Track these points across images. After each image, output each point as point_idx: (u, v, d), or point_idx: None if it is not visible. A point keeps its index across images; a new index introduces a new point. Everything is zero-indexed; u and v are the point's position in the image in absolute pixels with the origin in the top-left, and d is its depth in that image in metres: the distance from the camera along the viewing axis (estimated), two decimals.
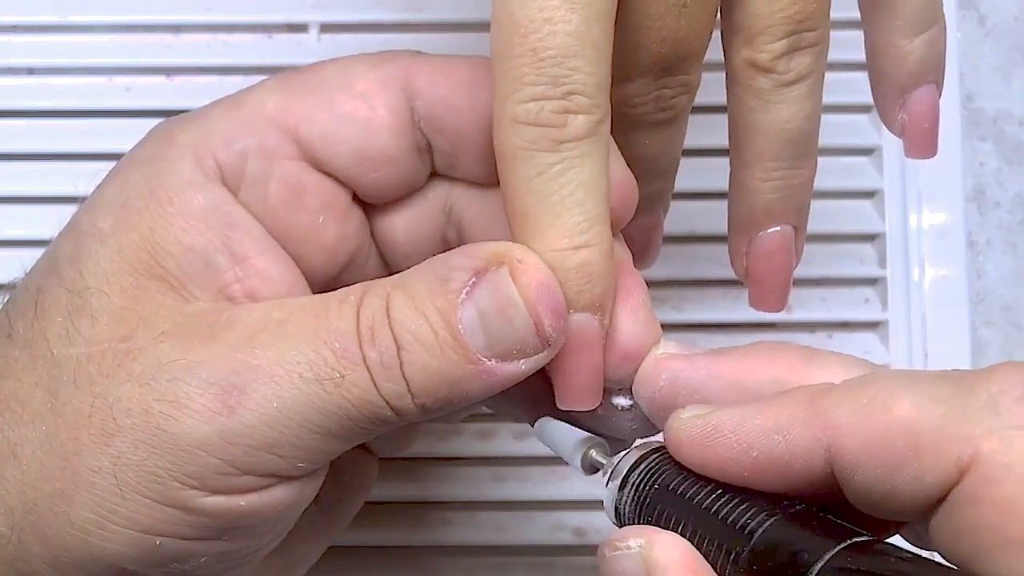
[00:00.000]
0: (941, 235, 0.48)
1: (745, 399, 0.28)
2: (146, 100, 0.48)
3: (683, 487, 0.28)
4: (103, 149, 0.46)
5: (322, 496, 0.32)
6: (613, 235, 0.30)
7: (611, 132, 0.30)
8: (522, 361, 0.29)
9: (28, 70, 0.48)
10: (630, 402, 0.31)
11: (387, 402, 0.29)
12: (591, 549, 0.46)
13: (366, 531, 0.45)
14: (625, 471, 0.29)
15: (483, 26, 0.30)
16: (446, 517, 0.46)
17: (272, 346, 0.29)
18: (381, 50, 0.33)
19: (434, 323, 0.28)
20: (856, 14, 0.35)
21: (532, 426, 0.33)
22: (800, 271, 0.38)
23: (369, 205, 0.34)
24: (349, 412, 0.28)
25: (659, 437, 0.30)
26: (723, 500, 0.27)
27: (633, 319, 0.31)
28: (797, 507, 0.26)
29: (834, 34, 0.34)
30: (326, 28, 0.49)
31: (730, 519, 0.26)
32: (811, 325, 0.48)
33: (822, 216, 0.46)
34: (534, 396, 0.32)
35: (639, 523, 0.28)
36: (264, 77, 0.33)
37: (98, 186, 0.32)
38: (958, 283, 0.48)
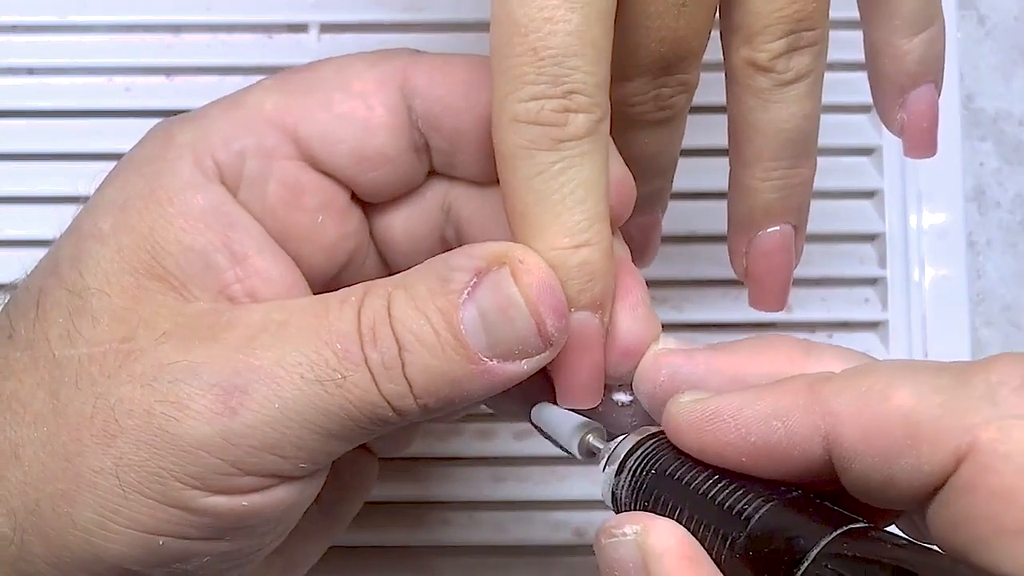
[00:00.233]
0: (941, 235, 0.48)
1: None
2: (146, 100, 0.48)
3: (680, 472, 0.28)
4: (103, 149, 0.46)
5: (323, 496, 0.32)
6: (612, 233, 0.30)
7: (610, 131, 0.30)
8: (524, 361, 0.29)
9: (28, 70, 0.48)
10: (630, 398, 0.31)
11: (389, 403, 0.29)
12: (591, 549, 0.46)
13: (366, 531, 0.45)
14: (622, 456, 0.29)
15: (483, 26, 0.30)
16: (446, 517, 0.46)
17: (273, 347, 0.29)
18: (380, 49, 0.33)
19: (436, 323, 0.28)
20: (855, 14, 0.35)
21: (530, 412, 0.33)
22: (800, 271, 0.38)
23: (368, 204, 0.34)
24: (351, 413, 0.28)
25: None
26: (720, 486, 0.27)
27: (632, 316, 0.31)
28: (794, 493, 0.26)
29: (834, 34, 0.34)
30: (326, 28, 0.49)
31: (727, 504, 0.26)
32: (811, 325, 0.48)
33: (822, 216, 0.46)
34: (534, 395, 0.32)
35: (636, 508, 0.28)
36: (264, 77, 0.33)
37: (98, 187, 0.32)
38: (958, 283, 0.48)
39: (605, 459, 0.30)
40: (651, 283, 0.32)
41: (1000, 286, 0.50)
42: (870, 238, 0.49)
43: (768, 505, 0.26)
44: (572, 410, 0.32)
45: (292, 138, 0.32)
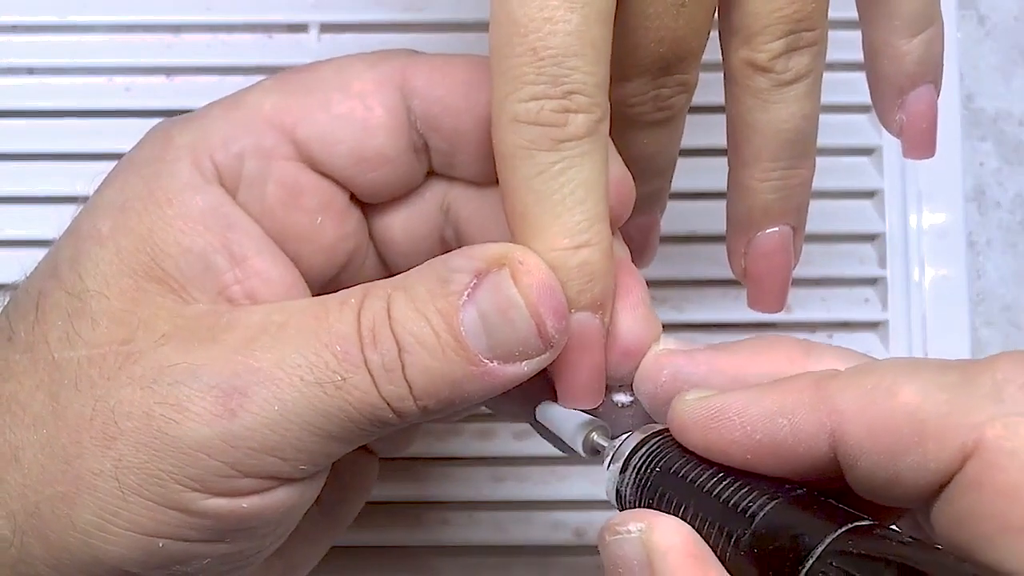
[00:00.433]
0: (941, 235, 0.48)
1: None
2: (146, 100, 0.48)
3: (685, 470, 0.28)
4: (103, 149, 0.46)
5: (323, 497, 0.32)
6: (611, 233, 0.30)
7: (609, 132, 0.30)
8: (524, 362, 0.29)
9: (28, 70, 0.48)
10: (630, 399, 0.31)
11: (388, 404, 0.29)
12: (591, 549, 0.47)
13: (365, 531, 0.45)
14: (627, 454, 0.29)
15: (483, 26, 0.30)
16: (445, 517, 0.46)
17: (273, 349, 0.29)
18: (380, 50, 0.33)
19: (436, 325, 0.28)
20: (855, 13, 0.35)
21: (534, 412, 0.33)
22: (800, 271, 0.38)
23: (367, 205, 0.34)
24: (350, 414, 0.28)
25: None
26: (725, 483, 0.27)
27: (633, 316, 0.31)
28: (798, 491, 0.26)
29: (833, 34, 0.34)
30: (326, 28, 0.49)
31: (731, 502, 0.26)
32: (811, 325, 0.48)
33: (822, 216, 0.46)
34: (534, 396, 0.32)
35: (640, 506, 0.28)
36: (264, 77, 0.33)
37: (97, 189, 0.32)
38: (958, 283, 0.48)
39: (610, 457, 0.30)
40: (651, 283, 0.32)
41: (1000, 286, 0.50)
42: (870, 238, 0.49)
43: (773, 503, 0.26)
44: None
45: (291, 139, 0.32)
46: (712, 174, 0.41)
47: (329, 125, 0.32)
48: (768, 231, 0.35)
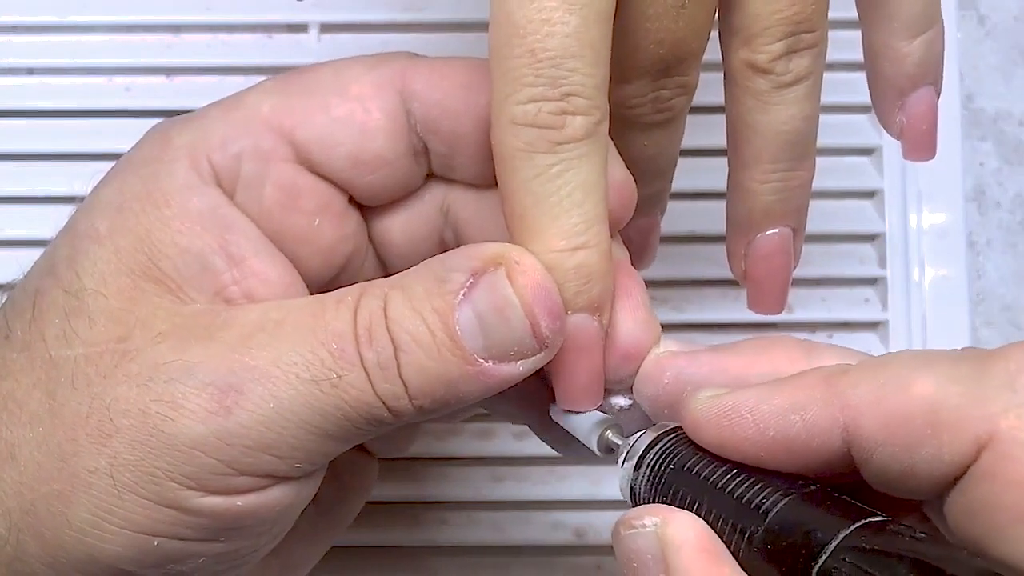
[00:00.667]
0: (941, 235, 0.48)
1: None
2: (146, 100, 0.48)
3: (698, 467, 0.28)
4: (103, 149, 0.46)
5: (321, 497, 0.32)
6: (611, 235, 0.30)
7: (609, 133, 0.30)
8: (519, 362, 0.29)
9: (28, 70, 0.48)
10: (629, 402, 0.31)
11: (384, 403, 0.28)
12: (590, 549, 0.47)
13: (364, 531, 0.45)
14: (641, 451, 0.29)
15: (483, 26, 0.30)
16: (444, 517, 0.46)
17: (269, 346, 0.29)
18: (380, 50, 0.33)
19: (431, 324, 0.28)
20: (855, 14, 0.35)
21: (548, 411, 0.33)
22: (800, 271, 0.38)
23: (366, 207, 0.34)
24: (346, 413, 0.28)
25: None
26: (738, 480, 0.27)
27: (632, 319, 0.31)
28: (812, 487, 0.26)
29: (834, 34, 0.34)
30: (326, 28, 0.49)
31: (745, 499, 0.26)
32: (811, 325, 0.48)
33: (822, 216, 0.46)
34: (530, 397, 0.32)
35: (654, 503, 0.28)
36: (264, 77, 0.33)
37: (95, 188, 0.32)
38: (958, 283, 0.48)
39: (624, 454, 0.30)
40: (651, 284, 0.33)
41: (1000, 286, 0.50)
42: (870, 238, 0.49)
43: (786, 499, 0.26)
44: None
45: (289, 141, 0.32)
46: (712, 174, 0.41)
47: (328, 128, 0.32)
48: (768, 233, 0.35)
